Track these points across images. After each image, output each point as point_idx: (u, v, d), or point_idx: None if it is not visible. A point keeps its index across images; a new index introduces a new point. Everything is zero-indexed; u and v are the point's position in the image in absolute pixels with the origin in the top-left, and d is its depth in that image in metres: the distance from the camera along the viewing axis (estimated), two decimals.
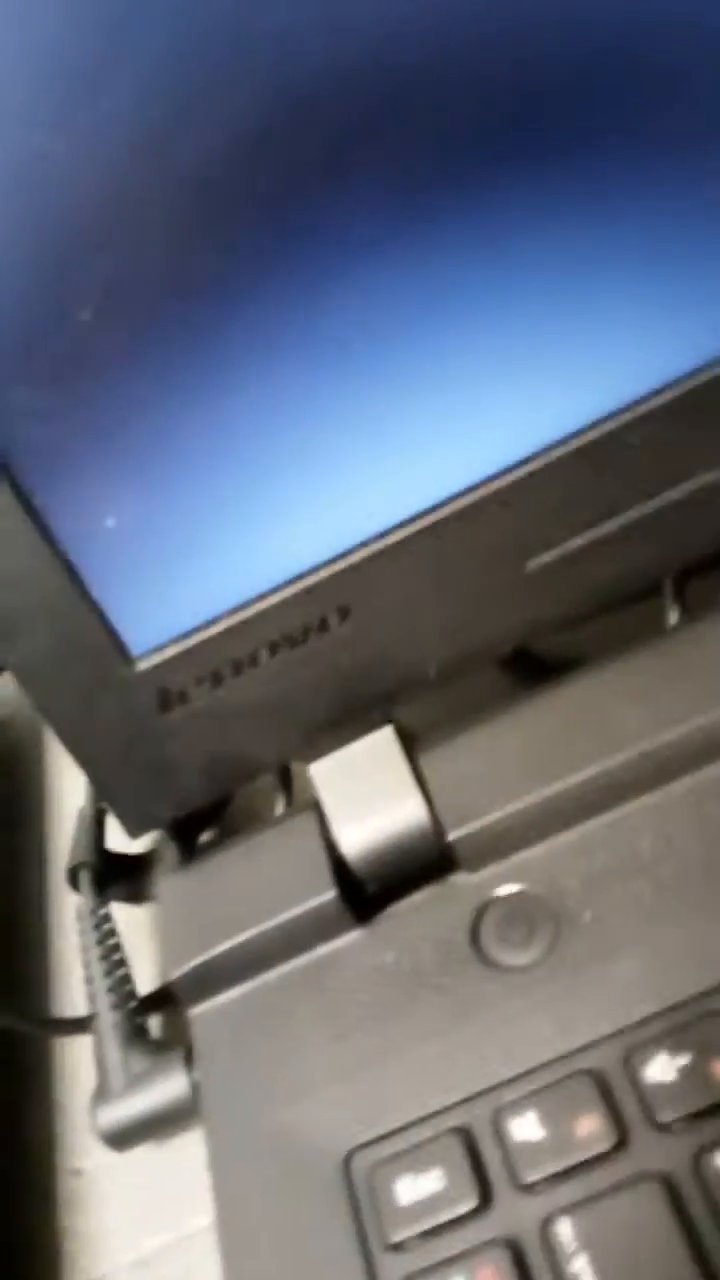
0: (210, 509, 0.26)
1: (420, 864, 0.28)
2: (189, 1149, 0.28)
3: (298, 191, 0.23)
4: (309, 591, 0.27)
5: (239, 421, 0.25)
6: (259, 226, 0.23)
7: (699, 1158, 0.22)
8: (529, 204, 0.24)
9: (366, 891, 0.28)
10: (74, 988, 0.33)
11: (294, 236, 0.23)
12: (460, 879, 0.28)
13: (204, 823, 0.32)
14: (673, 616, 0.30)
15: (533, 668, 0.31)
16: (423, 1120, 0.25)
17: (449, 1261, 0.23)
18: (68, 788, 0.38)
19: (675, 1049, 0.24)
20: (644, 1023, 0.24)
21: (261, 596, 0.27)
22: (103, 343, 0.24)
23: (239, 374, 0.25)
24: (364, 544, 0.27)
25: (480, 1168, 0.24)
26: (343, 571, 0.27)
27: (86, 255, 0.23)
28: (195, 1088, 0.27)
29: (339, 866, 0.28)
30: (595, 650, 0.29)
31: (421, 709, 0.29)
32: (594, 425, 0.26)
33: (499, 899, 0.27)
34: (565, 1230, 0.22)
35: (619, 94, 0.23)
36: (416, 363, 0.25)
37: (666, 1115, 0.23)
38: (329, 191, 0.23)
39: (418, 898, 0.28)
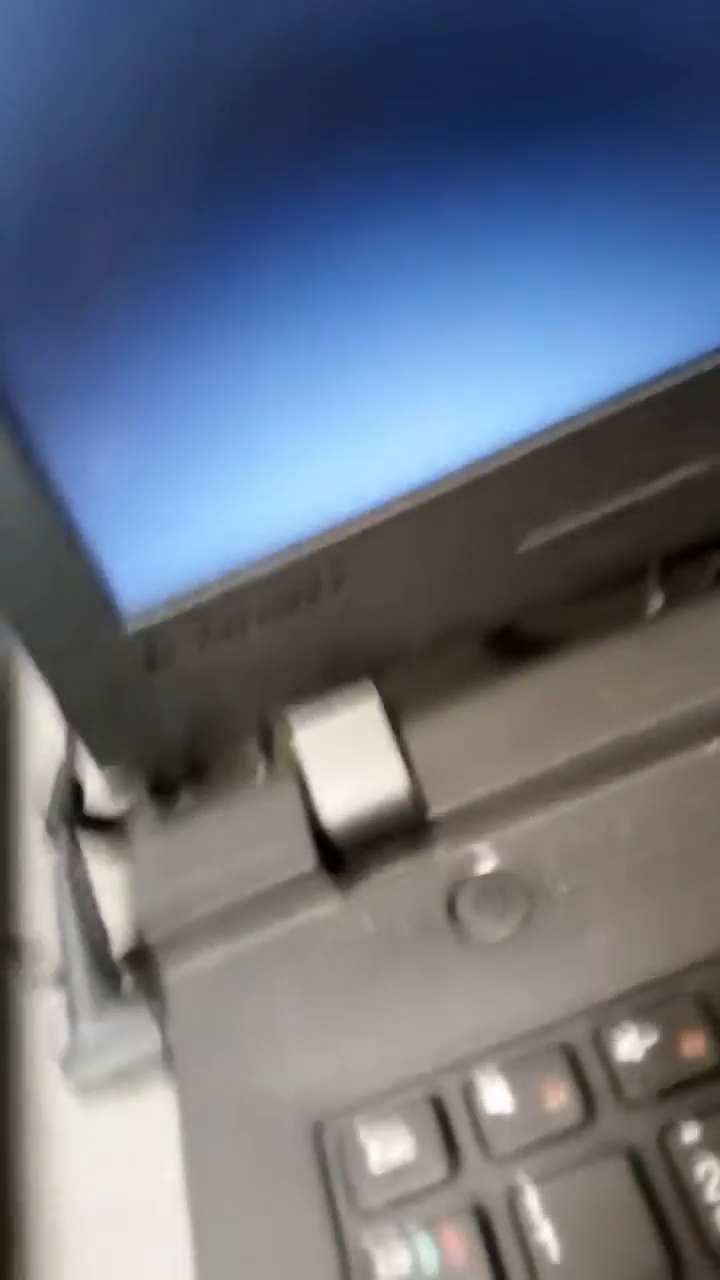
0: (209, 472, 0.26)
1: (400, 835, 0.28)
2: (160, 1103, 0.28)
3: (298, 150, 0.23)
4: (302, 559, 0.27)
5: (241, 384, 0.25)
6: (263, 181, 0.23)
7: (664, 1132, 0.23)
8: (531, 195, 0.24)
9: (345, 861, 0.29)
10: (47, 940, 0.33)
11: (298, 194, 0.23)
12: (439, 852, 0.28)
13: (182, 788, 0.32)
14: (656, 603, 0.30)
15: (515, 647, 0.31)
16: (395, 1089, 0.25)
17: (416, 1227, 0.23)
18: (42, 736, 0.37)
19: (644, 1026, 0.24)
20: (615, 1000, 0.25)
21: (255, 563, 0.27)
22: (106, 289, 0.23)
23: (242, 336, 0.24)
24: (359, 516, 0.27)
25: (450, 1136, 0.24)
26: (337, 542, 0.27)
27: (91, 193, 0.23)
28: (168, 1046, 0.28)
29: (319, 835, 0.28)
30: (579, 633, 0.29)
31: (402, 684, 0.30)
32: (586, 413, 0.26)
33: (476, 873, 0.28)
34: (531, 1200, 0.23)
35: (613, 85, 0.23)
36: (421, 340, 0.25)
37: (634, 1091, 0.24)
38: (330, 154, 0.23)
39: (397, 869, 0.28)
